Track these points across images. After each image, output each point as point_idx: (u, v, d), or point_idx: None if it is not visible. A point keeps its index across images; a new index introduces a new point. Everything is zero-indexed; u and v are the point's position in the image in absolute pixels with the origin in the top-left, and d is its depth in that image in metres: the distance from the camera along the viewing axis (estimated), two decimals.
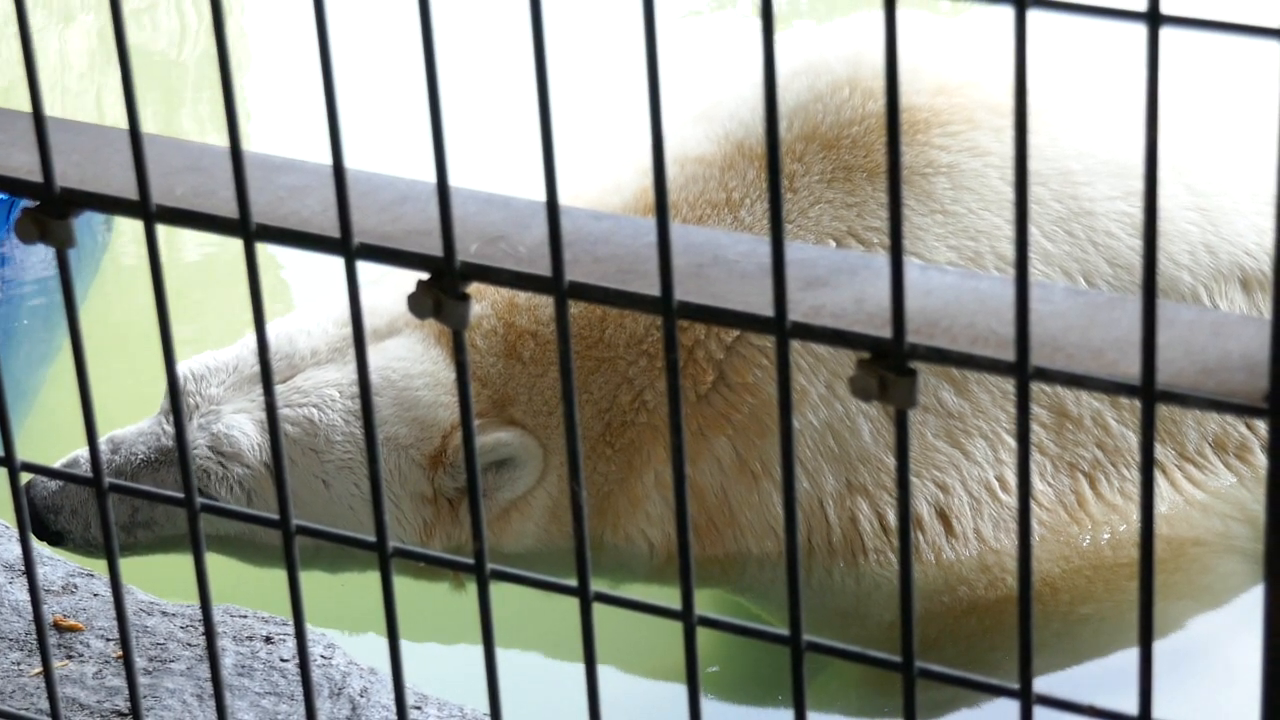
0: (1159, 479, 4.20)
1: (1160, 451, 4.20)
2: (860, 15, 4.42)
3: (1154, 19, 1.47)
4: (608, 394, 4.15)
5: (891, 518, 4.10)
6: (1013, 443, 4.09)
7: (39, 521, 4.25)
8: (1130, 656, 4.04)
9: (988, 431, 4.09)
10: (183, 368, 4.23)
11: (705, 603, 4.36)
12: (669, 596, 3.71)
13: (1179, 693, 3.97)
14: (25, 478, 4.27)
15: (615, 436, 4.16)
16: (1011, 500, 4.10)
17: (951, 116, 4.13)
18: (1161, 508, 4.18)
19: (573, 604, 1.82)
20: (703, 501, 4.15)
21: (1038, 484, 4.12)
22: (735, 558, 4.20)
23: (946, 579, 4.11)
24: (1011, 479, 4.10)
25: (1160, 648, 4.06)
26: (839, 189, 4.11)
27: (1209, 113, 4.37)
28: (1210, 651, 4.11)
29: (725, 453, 4.12)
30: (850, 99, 4.13)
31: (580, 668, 1.85)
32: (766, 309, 1.66)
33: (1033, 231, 4.09)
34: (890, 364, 1.61)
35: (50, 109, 1.94)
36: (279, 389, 4.22)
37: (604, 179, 4.32)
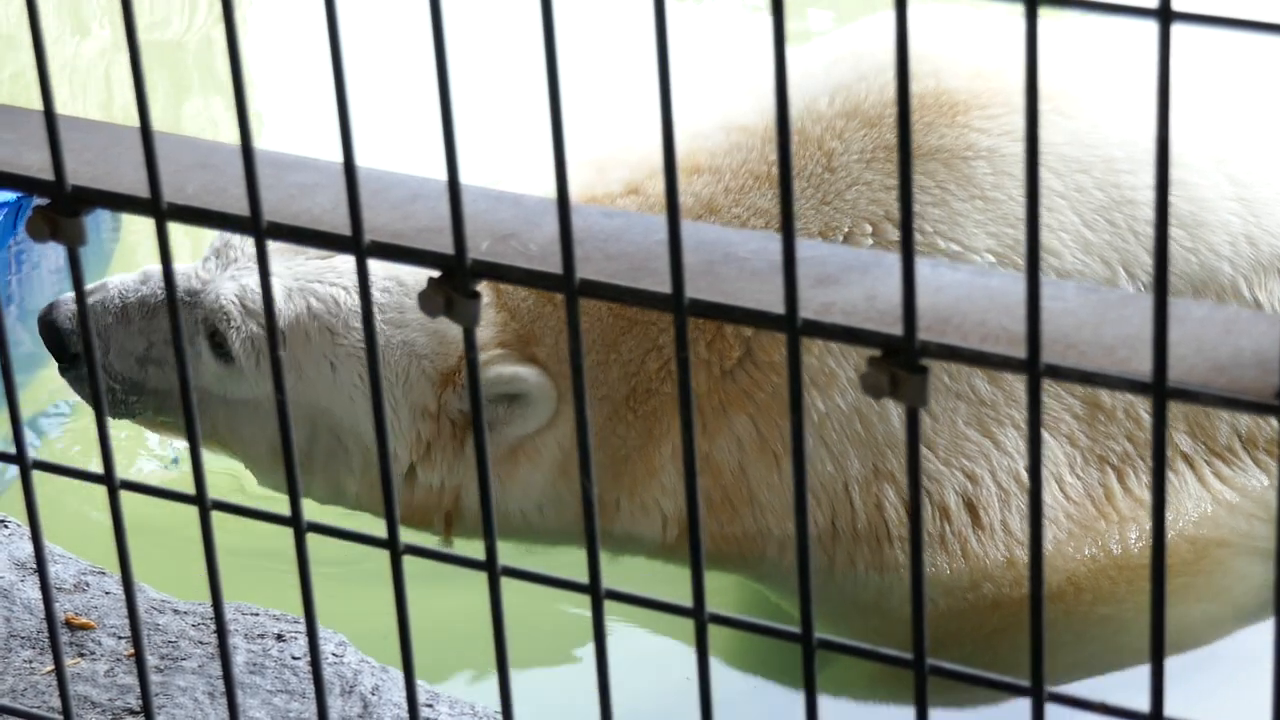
0: (1188, 475, 4.17)
1: (1190, 446, 4.17)
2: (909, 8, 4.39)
3: (1165, 15, 1.47)
4: (637, 357, 4.11)
5: None
6: (1045, 433, 4.05)
7: (60, 345, 4.21)
8: None
9: (1020, 421, 4.04)
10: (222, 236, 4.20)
11: (717, 593, 4.35)
12: (682, 579, 3.70)
13: (1195, 692, 3.96)
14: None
15: (639, 402, 4.13)
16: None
17: (990, 100, 4.08)
18: (1189, 505, 4.16)
19: (584, 601, 1.81)
20: (719, 478, 4.12)
21: (1067, 476, 4.08)
22: (754, 537, 4.16)
23: (971, 573, 4.07)
24: (1042, 470, 4.06)
25: (1177, 648, 4.04)
26: (878, 170, 4.06)
27: (1252, 103, 4.33)
28: (1226, 652, 4.09)
29: (746, 430, 4.09)
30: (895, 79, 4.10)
31: (591, 666, 1.85)
32: (778, 306, 1.66)
33: (1073, 220, 4.06)
34: (901, 361, 1.61)
35: (58, 90, 1.94)
36: (314, 264, 4.19)
37: (648, 143, 4.26)
